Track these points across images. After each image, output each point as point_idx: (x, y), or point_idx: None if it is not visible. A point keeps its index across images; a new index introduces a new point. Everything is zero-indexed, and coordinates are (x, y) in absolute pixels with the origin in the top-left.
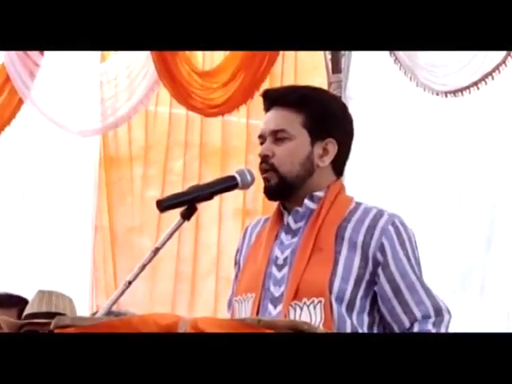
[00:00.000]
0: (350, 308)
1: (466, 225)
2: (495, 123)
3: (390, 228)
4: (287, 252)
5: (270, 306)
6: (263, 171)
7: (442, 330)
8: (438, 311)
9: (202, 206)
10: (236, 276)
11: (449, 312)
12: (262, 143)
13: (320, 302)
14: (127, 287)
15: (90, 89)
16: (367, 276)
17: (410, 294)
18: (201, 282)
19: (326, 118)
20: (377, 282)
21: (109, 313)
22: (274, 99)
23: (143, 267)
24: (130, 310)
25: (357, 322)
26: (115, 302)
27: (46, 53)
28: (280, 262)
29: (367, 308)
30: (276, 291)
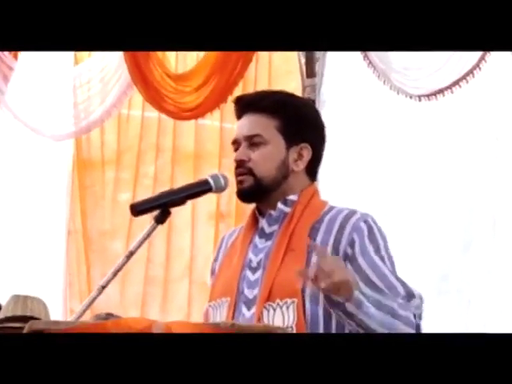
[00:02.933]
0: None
1: (442, 230)
2: (471, 126)
3: (362, 224)
4: (261, 255)
5: (244, 309)
6: (239, 175)
7: (412, 310)
8: (410, 294)
9: (175, 209)
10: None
11: (421, 298)
12: (236, 149)
13: (293, 302)
14: (100, 292)
15: (64, 92)
16: None
17: (381, 281)
18: (174, 285)
19: (301, 123)
20: None
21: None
22: (247, 105)
23: (117, 272)
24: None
25: (335, 321)
26: (89, 306)
27: (19, 56)
28: (254, 264)
29: None
30: (250, 294)
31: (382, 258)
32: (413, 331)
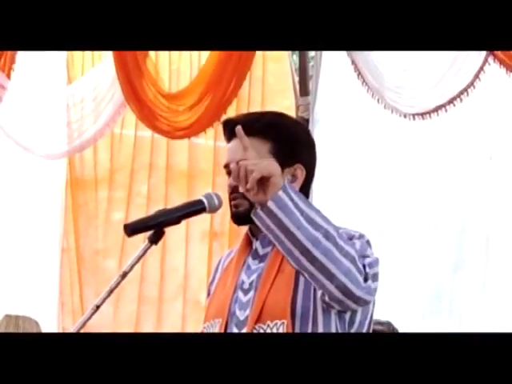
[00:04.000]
0: (315, 324)
1: (435, 248)
2: (465, 145)
3: (344, 235)
4: (253, 276)
5: (235, 330)
6: (233, 199)
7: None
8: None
9: (169, 229)
10: None
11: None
12: (228, 173)
13: (283, 323)
14: (95, 311)
15: (57, 112)
16: None
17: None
18: (168, 304)
19: (293, 144)
20: None
21: None
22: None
23: (111, 291)
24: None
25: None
26: (83, 325)
27: (12, 75)
28: (246, 286)
29: (332, 318)
30: (241, 315)
31: (352, 243)
32: (354, 269)
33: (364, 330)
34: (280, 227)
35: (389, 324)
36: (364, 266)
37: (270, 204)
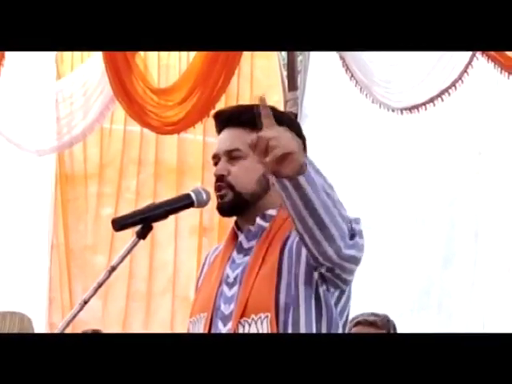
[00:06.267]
0: (297, 315)
1: (424, 244)
2: (453, 140)
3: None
4: (238, 270)
5: (220, 324)
6: (218, 189)
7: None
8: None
9: (158, 224)
10: None
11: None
12: (215, 163)
13: (267, 316)
14: (83, 306)
15: (46, 107)
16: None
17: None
18: (157, 300)
19: None
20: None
21: None
22: (226, 119)
23: (99, 286)
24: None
25: (305, 328)
26: (71, 321)
27: (2, 71)
28: (230, 280)
29: (314, 310)
30: (226, 309)
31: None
32: (345, 229)
33: (341, 323)
34: (302, 198)
35: (385, 316)
36: (350, 222)
37: (301, 179)
